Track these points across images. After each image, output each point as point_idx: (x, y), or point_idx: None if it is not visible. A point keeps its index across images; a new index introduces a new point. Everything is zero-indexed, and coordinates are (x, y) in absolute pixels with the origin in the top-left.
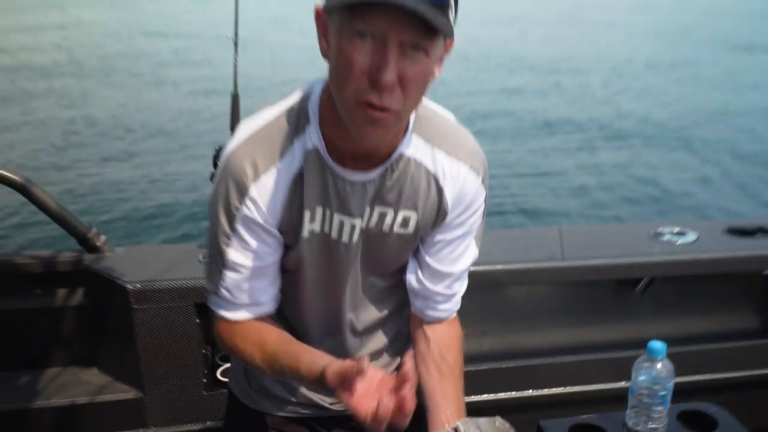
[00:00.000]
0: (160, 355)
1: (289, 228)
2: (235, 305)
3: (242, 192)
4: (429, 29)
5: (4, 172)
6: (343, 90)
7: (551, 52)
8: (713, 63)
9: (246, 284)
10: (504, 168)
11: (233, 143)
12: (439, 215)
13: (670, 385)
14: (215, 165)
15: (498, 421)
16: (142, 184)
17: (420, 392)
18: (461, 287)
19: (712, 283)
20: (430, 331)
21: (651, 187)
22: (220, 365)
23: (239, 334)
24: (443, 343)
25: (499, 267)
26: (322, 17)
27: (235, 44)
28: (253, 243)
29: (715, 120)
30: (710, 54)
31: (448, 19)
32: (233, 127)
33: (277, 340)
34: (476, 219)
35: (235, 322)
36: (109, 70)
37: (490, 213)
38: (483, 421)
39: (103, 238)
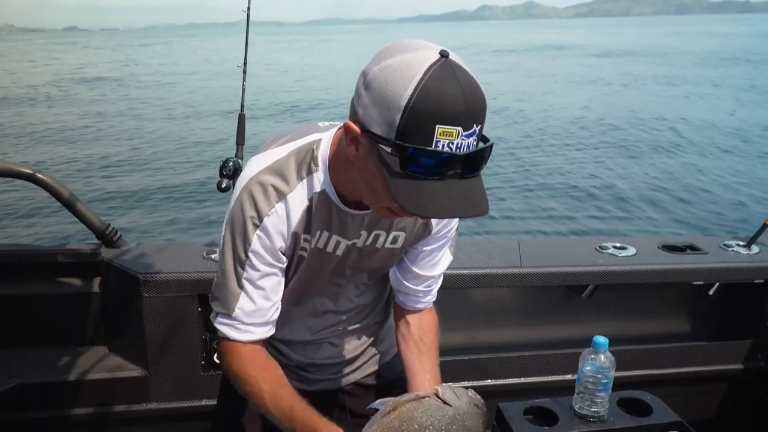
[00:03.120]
0: (164, 339)
1: (291, 250)
2: (245, 325)
3: (257, 220)
4: None
5: (39, 175)
6: (369, 198)
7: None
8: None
9: (259, 304)
10: None
11: (249, 174)
12: (424, 233)
13: (611, 374)
14: (221, 174)
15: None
16: (156, 188)
17: (402, 367)
18: (438, 284)
19: (648, 291)
20: (411, 317)
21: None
22: (216, 349)
23: (247, 359)
24: (421, 326)
25: (464, 271)
26: (356, 138)
27: (244, 72)
28: (266, 268)
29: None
30: None
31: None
32: (239, 141)
33: (279, 379)
34: (452, 232)
35: (244, 344)
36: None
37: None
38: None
39: (118, 234)
